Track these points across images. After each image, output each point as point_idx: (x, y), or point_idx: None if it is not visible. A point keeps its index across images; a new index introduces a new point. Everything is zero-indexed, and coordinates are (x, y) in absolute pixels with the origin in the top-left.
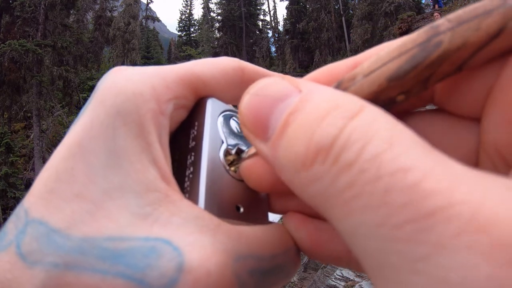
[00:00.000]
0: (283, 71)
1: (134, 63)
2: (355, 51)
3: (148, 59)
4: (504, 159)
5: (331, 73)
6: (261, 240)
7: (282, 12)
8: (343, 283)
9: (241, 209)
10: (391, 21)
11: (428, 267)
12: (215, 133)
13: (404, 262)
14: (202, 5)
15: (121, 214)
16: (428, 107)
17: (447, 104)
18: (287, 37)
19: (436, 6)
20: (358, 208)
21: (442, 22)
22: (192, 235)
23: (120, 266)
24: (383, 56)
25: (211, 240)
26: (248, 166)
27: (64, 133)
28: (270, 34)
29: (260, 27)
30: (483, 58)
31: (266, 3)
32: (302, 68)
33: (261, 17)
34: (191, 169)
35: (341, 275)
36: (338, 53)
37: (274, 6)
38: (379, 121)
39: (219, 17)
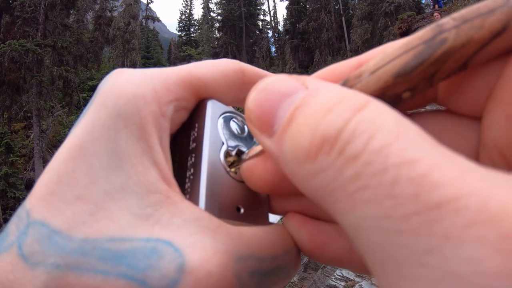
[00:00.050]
0: (283, 71)
1: (134, 63)
2: (355, 51)
3: (148, 59)
4: (504, 157)
5: (334, 73)
6: (262, 241)
7: (282, 12)
8: (343, 283)
9: (242, 210)
10: (391, 21)
11: (436, 260)
12: (215, 135)
13: (410, 255)
14: (202, 5)
15: (122, 215)
16: (428, 107)
17: (449, 102)
18: (287, 37)
19: (436, 6)
20: (363, 201)
21: (446, 20)
22: (193, 236)
23: (122, 267)
24: (389, 53)
25: (212, 241)
26: (248, 167)
27: (64, 133)
28: (270, 34)
29: (260, 27)
30: (486, 56)
31: (266, 3)
32: (302, 68)
33: (261, 17)
34: (192, 170)
35: (341, 275)
36: (338, 53)
37: (274, 6)
38: (385, 115)
39: (219, 17)
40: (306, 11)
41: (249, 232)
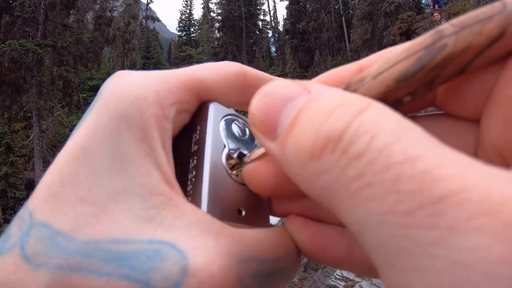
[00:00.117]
0: (283, 71)
1: (134, 63)
2: (355, 51)
3: (148, 59)
4: (502, 158)
5: (335, 77)
6: (263, 243)
7: (282, 12)
8: (343, 283)
9: (243, 212)
10: (391, 21)
11: (442, 250)
12: (217, 137)
13: (416, 247)
14: (202, 5)
15: (125, 217)
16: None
17: (447, 105)
18: (287, 37)
19: (436, 6)
20: (367, 198)
21: (446, 26)
22: (196, 238)
23: (125, 269)
24: (391, 58)
25: (214, 243)
26: (250, 170)
27: (64, 133)
28: (270, 34)
29: (260, 27)
30: (484, 61)
31: (266, 3)
32: (302, 68)
33: (261, 17)
34: (194, 173)
35: (341, 275)
36: (338, 53)
37: (274, 6)
38: (387, 116)
39: (219, 17)
40: (306, 11)
41: (251, 234)
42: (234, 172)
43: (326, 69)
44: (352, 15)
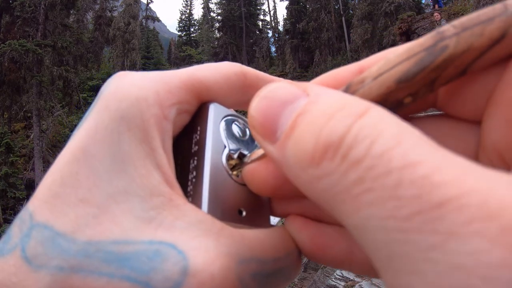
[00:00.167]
0: (283, 71)
1: (134, 63)
2: (355, 51)
3: (148, 59)
4: (503, 160)
5: (335, 78)
6: (264, 244)
7: (282, 12)
8: (343, 283)
9: (244, 213)
10: (391, 21)
11: (441, 255)
12: (217, 138)
13: (415, 251)
14: (202, 5)
15: (125, 218)
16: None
17: (448, 107)
18: (287, 37)
19: (436, 6)
20: (367, 203)
21: (447, 28)
22: (196, 239)
23: (126, 269)
24: (391, 59)
25: (214, 243)
26: (250, 170)
27: (64, 133)
28: (270, 34)
29: (260, 27)
30: (485, 63)
31: (266, 3)
32: (302, 68)
33: (261, 17)
34: (194, 173)
35: (341, 275)
36: (338, 53)
37: (274, 6)
38: (386, 120)
39: (219, 17)
40: (306, 11)
41: (251, 235)
42: (235, 172)
43: (326, 69)
44: (352, 15)
